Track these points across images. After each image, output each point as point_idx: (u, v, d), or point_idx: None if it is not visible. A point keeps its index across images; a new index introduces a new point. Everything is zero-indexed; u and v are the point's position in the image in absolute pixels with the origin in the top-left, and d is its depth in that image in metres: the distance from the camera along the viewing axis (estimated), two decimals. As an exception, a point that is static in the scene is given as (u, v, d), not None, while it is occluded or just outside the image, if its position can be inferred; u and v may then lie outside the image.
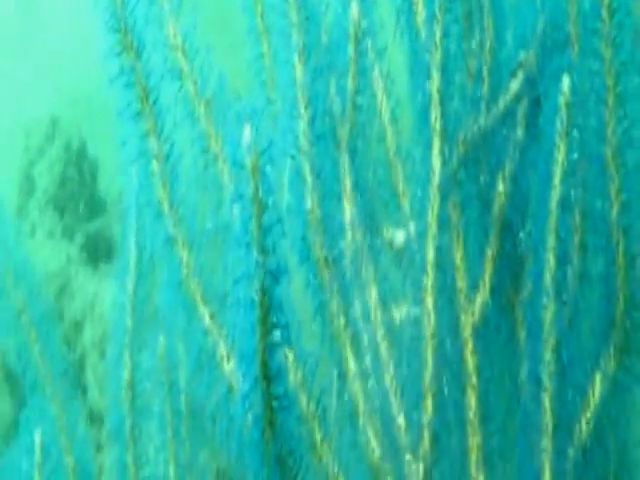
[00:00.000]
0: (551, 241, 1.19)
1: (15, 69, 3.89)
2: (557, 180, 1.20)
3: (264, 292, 1.06)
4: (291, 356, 1.19)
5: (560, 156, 1.20)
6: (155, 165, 1.30)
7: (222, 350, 1.28)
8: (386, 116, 1.40)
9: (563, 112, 1.21)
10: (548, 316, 1.18)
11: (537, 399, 1.18)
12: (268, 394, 1.09)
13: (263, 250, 1.05)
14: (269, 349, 1.09)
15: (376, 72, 1.41)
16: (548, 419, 1.17)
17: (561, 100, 1.21)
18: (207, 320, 1.30)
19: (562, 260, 1.20)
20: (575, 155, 1.20)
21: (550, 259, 1.19)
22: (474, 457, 1.22)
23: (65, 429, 1.33)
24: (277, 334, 1.09)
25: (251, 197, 1.02)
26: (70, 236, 2.72)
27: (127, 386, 1.35)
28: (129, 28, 1.25)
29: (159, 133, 1.30)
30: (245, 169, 1.02)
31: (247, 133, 1.03)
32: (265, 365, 1.09)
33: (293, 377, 1.19)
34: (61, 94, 3.38)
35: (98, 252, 2.64)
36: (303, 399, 1.20)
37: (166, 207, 1.31)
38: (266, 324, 1.08)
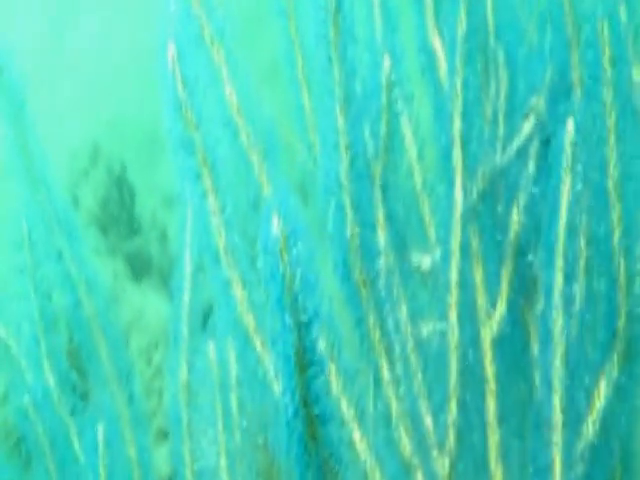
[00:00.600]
0: (559, 262, 1.35)
1: (59, 96, 4.08)
2: (564, 209, 1.36)
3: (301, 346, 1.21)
4: (333, 367, 1.35)
5: (566, 188, 1.37)
6: (213, 220, 1.45)
7: (271, 373, 1.44)
8: (413, 155, 1.58)
9: (568, 150, 1.38)
10: (557, 328, 1.34)
11: (548, 401, 1.34)
12: (309, 415, 1.23)
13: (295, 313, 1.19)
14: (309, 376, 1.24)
15: (405, 117, 1.59)
16: (558, 417, 1.33)
17: (566, 140, 1.38)
18: (259, 347, 1.45)
19: (569, 279, 1.37)
20: (579, 187, 1.36)
21: (559, 278, 1.35)
22: (493, 453, 1.38)
23: (128, 425, 1.50)
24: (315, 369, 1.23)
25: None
26: (113, 253, 2.89)
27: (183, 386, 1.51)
28: (189, 105, 1.41)
29: (216, 191, 1.45)
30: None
31: (275, 224, 1.17)
32: (307, 389, 1.24)
33: (335, 386, 1.35)
34: (103, 121, 3.57)
35: (140, 269, 2.82)
36: (344, 404, 1.36)
37: (222, 253, 1.46)
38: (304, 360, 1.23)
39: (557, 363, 1.33)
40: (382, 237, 1.47)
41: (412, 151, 1.57)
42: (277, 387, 1.36)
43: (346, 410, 1.35)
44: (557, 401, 1.33)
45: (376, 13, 1.63)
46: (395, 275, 1.46)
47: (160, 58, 1.42)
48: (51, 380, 1.50)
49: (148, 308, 2.64)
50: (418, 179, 1.57)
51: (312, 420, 1.24)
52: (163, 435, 1.72)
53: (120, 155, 3.20)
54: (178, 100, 1.40)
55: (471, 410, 1.39)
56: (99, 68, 3.99)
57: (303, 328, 1.19)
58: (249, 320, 1.43)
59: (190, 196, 1.48)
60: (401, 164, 1.55)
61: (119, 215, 3.05)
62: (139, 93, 1.34)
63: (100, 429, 1.37)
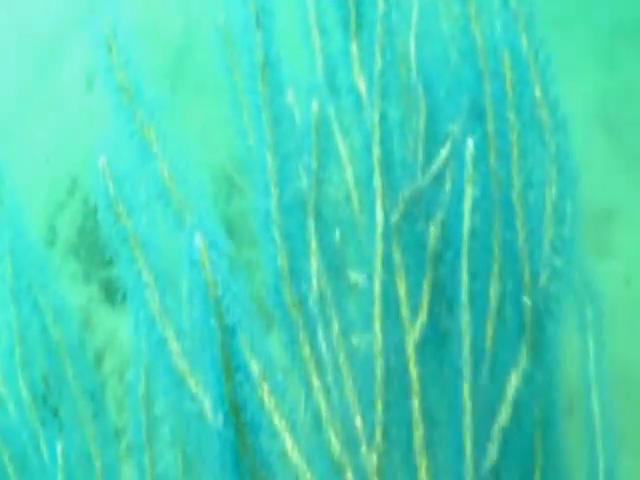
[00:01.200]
0: (464, 263, 1.48)
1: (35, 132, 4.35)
2: (467, 216, 1.49)
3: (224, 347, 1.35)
4: (265, 386, 1.48)
5: (468, 197, 1.50)
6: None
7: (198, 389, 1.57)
8: (351, 182, 1.72)
9: (469, 164, 1.51)
10: (464, 323, 1.46)
11: (460, 389, 1.45)
12: (239, 423, 1.37)
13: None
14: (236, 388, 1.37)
15: (342, 148, 1.74)
16: (468, 403, 1.44)
17: (467, 156, 1.51)
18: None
19: (477, 278, 1.49)
20: (477, 193, 1.49)
21: (464, 278, 1.48)
22: (418, 447, 1.49)
23: (94, 440, 1.64)
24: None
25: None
26: (88, 279, 3.08)
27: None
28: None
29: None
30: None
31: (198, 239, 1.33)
32: (235, 400, 1.37)
33: (267, 400, 1.47)
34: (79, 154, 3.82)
35: (114, 294, 2.99)
36: (276, 417, 1.48)
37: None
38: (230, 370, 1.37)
39: (465, 353, 1.45)
40: (314, 261, 1.61)
41: (350, 178, 1.72)
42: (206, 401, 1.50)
43: (279, 422, 1.47)
44: (467, 388, 1.44)
45: (317, 59, 1.80)
46: (327, 296, 1.59)
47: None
48: (24, 391, 1.66)
49: (121, 330, 2.82)
50: (356, 204, 1.71)
51: (242, 428, 1.37)
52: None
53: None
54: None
55: (397, 409, 1.51)
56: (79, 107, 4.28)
57: (228, 333, 1.34)
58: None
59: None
60: (337, 192, 1.69)
61: (95, 244, 3.25)
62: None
63: (59, 446, 1.52)
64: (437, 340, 1.55)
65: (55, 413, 1.63)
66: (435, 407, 1.52)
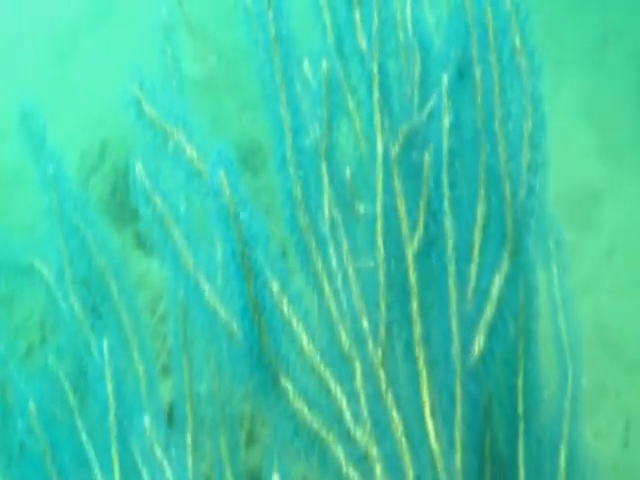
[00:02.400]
0: (445, 179, 1.73)
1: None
2: (445, 136, 1.75)
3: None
4: (284, 298, 1.71)
5: (445, 123, 1.75)
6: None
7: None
8: (358, 129, 1.97)
9: (444, 94, 1.76)
10: (448, 229, 1.72)
11: (447, 285, 1.70)
12: (262, 329, 1.62)
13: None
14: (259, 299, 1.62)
15: (350, 103, 1.99)
16: (453, 295, 1.69)
17: (443, 89, 1.77)
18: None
19: (466, 196, 1.74)
20: (453, 120, 1.74)
21: (446, 190, 1.73)
22: (417, 341, 1.73)
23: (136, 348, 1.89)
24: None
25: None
26: (122, 230, 3.39)
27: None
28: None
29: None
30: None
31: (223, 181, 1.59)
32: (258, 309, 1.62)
33: (286, 309, 1.70)
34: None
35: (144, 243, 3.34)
36: (294, 321, 1.71)
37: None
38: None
39: (449, 252, 1.70)
40: (326, 195, 1.85)
41: (357, 125, 1.97)
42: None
43: (295, 324, 1.72)
44: (452, 282, 1.69)
45: (328, 30, 2.05)
46: (338, 221, 1.83)
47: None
48: (76, 305, 1.91)
49: (151, 270, 3.09)
50: (364, 148, 1.96)
51: (264, 333, 1.62)
52: (166, 371, 2.09)
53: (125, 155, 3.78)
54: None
55: (399, 308, 1.76)
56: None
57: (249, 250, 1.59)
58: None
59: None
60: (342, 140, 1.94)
61: (124, 203, 3.57)
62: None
63: (105, 343, 1.76)
64: (431, 252, 1.80)
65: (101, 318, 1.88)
66: (431, 307, 1.77)
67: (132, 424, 1.80)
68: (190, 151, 1.77)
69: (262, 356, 1.64)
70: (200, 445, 1.94)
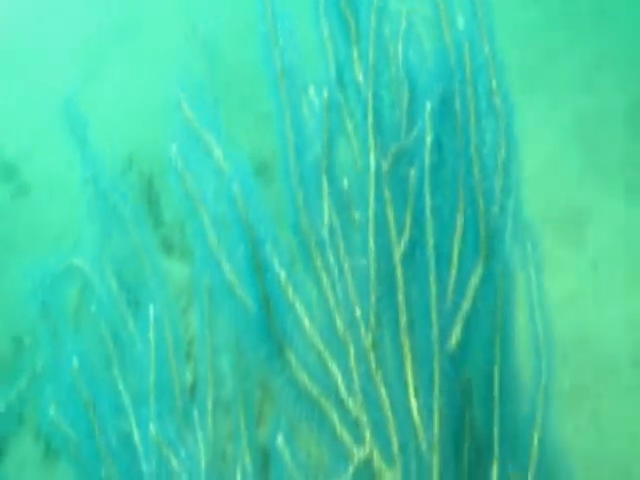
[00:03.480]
0: (427, 186, 2.04)
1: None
2: (427, 155, 2.06)
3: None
4: (290, 286, 2.03)
5: (427, 141, 2.06)
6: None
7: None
8: (355, 146, 2.29)
9: (427, 118, 2.07)
10: (429, 232, 2.03)
11: (429, 284, 2.02)
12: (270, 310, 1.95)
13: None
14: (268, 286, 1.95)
15: (348, 124, 2.31)
16: (434, 290, 2.00)
17: (426, 116, 2.08)
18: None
19: (446, 209, 2.05)
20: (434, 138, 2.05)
21: (427, 197, 2.04)
22: (403, 329, 2.05)
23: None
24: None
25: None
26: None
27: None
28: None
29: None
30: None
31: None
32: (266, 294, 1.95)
33: (291, 295, 2.03)
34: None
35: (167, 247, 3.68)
36: (297, 305, 2.03)
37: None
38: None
39: (430, 253, 2.01)
40: (326, 201, 2.16)
41: (355, 144, 2.28)
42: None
43: (299, 308, 2.03)
44: (433, 279, 2.00)
45: (329, 63, 2.36)
46: (337, 228, 2.15)
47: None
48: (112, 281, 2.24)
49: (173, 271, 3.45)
50: (359, 162, 2.27)
51: (273, 314, 1.94)
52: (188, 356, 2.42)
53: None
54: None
55: (388, 299, 2.07)
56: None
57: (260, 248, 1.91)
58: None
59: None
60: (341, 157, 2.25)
61: (149, 210, 3.93)
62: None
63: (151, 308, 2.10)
64: (416, 253, 2.11)
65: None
66: (415, 301, 2.07)
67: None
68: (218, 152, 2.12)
69: (270, 331, 1.96)
70: (219, 421, 2.26)
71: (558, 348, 3.30)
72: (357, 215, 2.21)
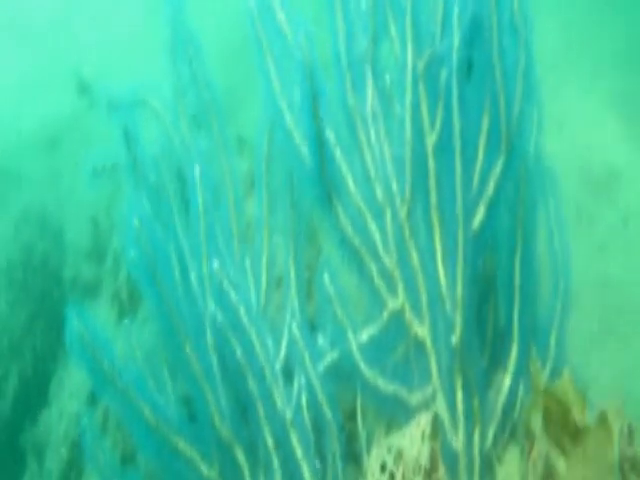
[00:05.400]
0: (455, 85, 2.32)
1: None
2: (455, 52, 2.34)
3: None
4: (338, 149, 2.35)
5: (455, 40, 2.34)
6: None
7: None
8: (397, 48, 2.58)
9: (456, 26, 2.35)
10: (458, 133, 2.32)
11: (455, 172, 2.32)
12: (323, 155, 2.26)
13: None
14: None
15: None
16: (459, 180, 2.29)
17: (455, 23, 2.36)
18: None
19: (471, 108, 2.34)
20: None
21: (455, 96, 2.32)
22: (433, 205, 2.33)
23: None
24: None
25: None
26: None
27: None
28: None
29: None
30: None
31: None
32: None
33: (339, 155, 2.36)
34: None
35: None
36: (343, 166, 2.36)
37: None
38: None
39: (457, 143, 2.29)
40: (370, 92, 2.45)
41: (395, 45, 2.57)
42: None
43: (344, 169, 2.35)
44: (459, 166, 2.28)
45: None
46: (378, 112, 2.44)
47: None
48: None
49: None
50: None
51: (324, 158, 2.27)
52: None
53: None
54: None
55: (420, 180, 2.36)
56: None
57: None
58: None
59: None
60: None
61: None
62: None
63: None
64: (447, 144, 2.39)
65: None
66: (444, 185, 2.35)
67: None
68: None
69: (322, 176, 2.29)
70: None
71: (587, 292, 3.65)
72: (397, 107, 2.49)
